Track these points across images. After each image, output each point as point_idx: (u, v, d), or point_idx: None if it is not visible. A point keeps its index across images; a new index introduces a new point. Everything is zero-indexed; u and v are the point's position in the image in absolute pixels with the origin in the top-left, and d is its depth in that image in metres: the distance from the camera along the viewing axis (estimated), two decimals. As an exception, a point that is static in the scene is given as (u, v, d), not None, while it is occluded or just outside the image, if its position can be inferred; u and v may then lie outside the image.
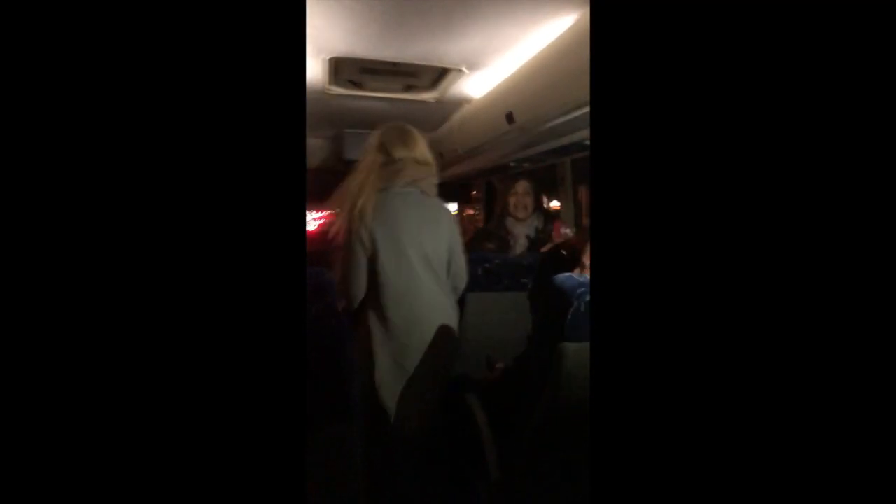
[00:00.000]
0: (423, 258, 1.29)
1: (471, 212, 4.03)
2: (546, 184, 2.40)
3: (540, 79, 1.43)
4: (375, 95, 2.08)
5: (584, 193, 2.44)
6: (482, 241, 2.17)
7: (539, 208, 2.27)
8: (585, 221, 2.37)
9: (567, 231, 2.16)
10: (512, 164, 2.37)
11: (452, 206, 3.94)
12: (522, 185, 2.23)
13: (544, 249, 2.07)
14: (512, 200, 2.24)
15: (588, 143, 1.67)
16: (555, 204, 2.74)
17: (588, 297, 1.10)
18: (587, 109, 1.27)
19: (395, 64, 1.67)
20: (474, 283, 1.66)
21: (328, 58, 1.59)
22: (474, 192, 3.76)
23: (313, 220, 3.83)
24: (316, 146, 3.04)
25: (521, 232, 2.24)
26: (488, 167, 2.55)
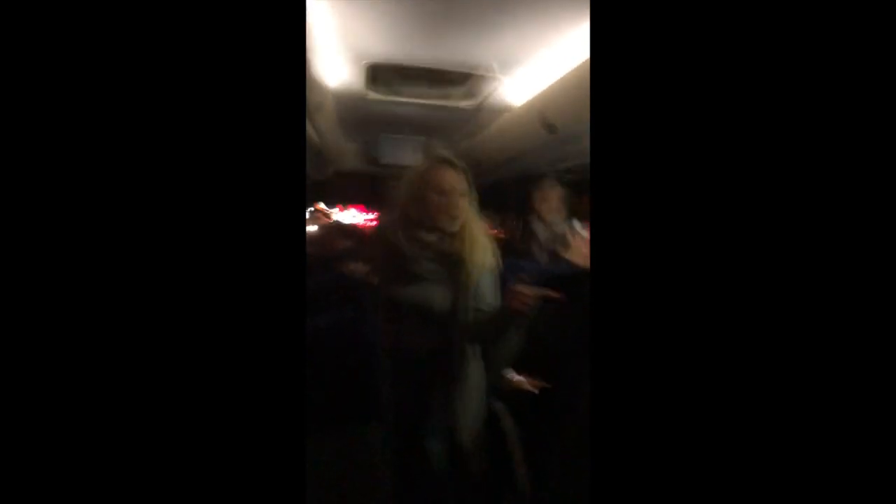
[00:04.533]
0: None
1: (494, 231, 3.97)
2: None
3: (580, 89, 1.40)
4: (413, 101, 2.09)
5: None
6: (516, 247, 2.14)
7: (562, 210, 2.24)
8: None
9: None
10: (551, 174, 2.34)
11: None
12: (546, 183, 2.21)
13: None
14: (536, 199, 2.23)
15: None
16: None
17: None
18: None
19: (433, 70, 1.67)
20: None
21: (367, 63, 1.61)
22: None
23: (365, 220, 3.90)
24: (352, 150, 3.08)
25: (543, 233, 2.21)
26: (526, 176, 2.53)
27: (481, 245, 1.23)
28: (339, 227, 2.27)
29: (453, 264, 1.20)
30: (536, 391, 1.38)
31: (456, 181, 1.20)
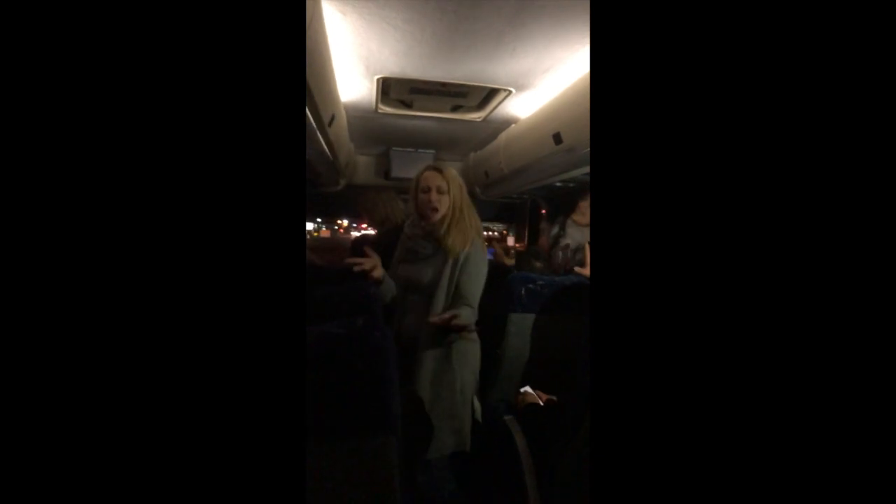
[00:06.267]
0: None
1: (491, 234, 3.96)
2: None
3: (587, 100, 1.42)
4: (424, 115, 2.12)
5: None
6: (529, 260, 2.16)
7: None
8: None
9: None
10: (558, 185, 2.35)
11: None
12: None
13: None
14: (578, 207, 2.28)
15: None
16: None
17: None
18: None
19: (443, 84, 1.70)
20: (517, 304, 1.64)
21: (378, 77, 1.63)
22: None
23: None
24: (363, 163, 3.12)
25: (579, 238, 2.24)
26: (533, 187, 2.54)
27: (460, 232, 1.52)
28: (352, 240, 2.30)
29: (437, 247, 1.54)
30: (542, 402, 1.39)
31: (435, 181, 1.52)
